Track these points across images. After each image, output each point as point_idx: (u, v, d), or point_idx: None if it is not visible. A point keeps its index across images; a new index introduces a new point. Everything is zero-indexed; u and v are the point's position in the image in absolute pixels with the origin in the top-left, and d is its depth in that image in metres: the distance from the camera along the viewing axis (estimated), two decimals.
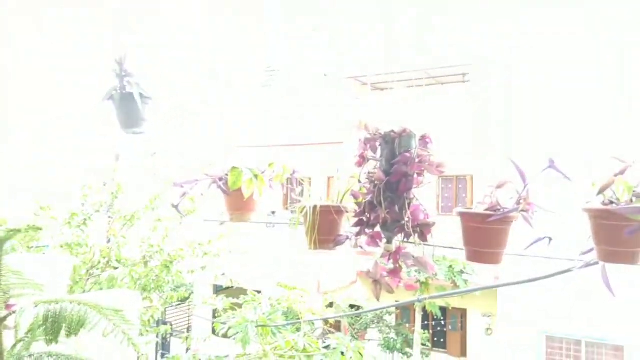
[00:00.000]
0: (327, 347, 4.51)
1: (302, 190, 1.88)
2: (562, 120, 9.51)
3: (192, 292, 12.42)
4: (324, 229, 1.66)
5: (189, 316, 13.70)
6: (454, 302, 10.84)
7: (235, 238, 5.93)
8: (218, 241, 6.01)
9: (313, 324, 5.10)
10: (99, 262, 5.22)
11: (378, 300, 1.59)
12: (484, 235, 1.43)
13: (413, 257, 1.57)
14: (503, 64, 11.66)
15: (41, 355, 1.19)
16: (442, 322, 11.95)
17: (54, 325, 1.15)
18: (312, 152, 11.67)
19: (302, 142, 11.57)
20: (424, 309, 9.95)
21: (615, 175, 1.19)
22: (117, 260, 5.28)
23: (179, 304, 13.37)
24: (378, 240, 1.59)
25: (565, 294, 8.48)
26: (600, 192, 1.23)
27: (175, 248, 5.57)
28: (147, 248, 5.39)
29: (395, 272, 1.55)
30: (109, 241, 5.19)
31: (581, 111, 9.36)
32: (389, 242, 1.60)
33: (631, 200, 1.24)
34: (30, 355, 1.19)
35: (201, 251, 5.66)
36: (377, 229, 1.60)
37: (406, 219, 1.52)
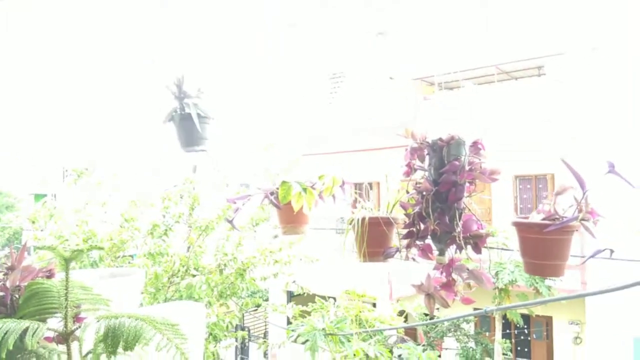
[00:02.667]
0: (400, 357, 4.43)
1: (356, 199, 1.87)
2: None
3: (267, 299, 12.75)
4: (372, 240, 1.64)
5: (265, 322, 14.06)
6: (538, 310, 10.22)
7: (305, 244, 6.01)
8: (289, 249, 6.13)
9: (381, 332, 5.02)
10: (179, 271, 5.50)
11: (431, 313, 1.53)
12: (542, 246, 1.33)
13: (468, 269, 1.51)
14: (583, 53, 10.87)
15: None
16: (526, 331, 11.30)
17: (113, 340, 1.23)
18: (379, 157, 11.57)
19: (368, 147, 11.51)
20: (504, 317, 9.46)
21: None
22: (195, 269, 5.55)
23: (256, 310, 13.78)
24: (429, 253, 1.54)
25: None
26: None
27: (248, 256, 5.75)
28: (221, 256, 5.61)
29: (448, 286, 1.49)
30: (188, 250, 5.46)
31: None
32: (441, 254, 1.55)
33: None
34: None
35: (272, 259, 5.79)
36: (428, 240, 1.55)
37: (457, 230, 1.46)
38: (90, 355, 1.38)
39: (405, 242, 1.59)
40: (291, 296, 12.31)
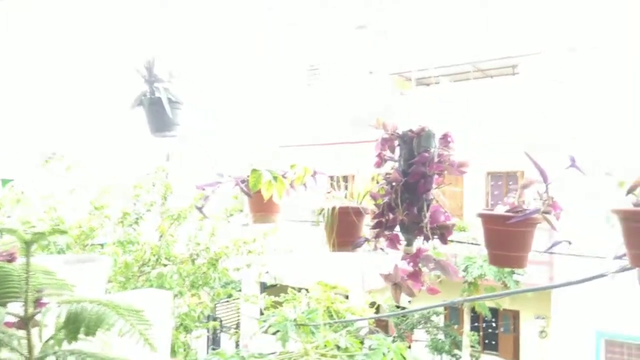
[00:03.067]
0: (370, 347, 4.47)
1: (331, 191, 1.87)
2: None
3: (240, 290, 12.70)
4: (342, 230, 1.65)
5: (238, 313, 14.02)
6: (506, 304, 10.48)
7: (282, 235, 5.99)
8: (263, 239, 6.10)
9: (352, 324, 5.07)
10: (150, 260, 5.42)
11: (398, 302, 1.55)
12: (506, 237, 1.36)
13: (434, 260, 1.53)
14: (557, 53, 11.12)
15: (64, 353, 1.25)
16: (494, 324, 11.57)
17: (74, 325, 1.20)
18: (356, 150, 11.59)
19: (345, 140, 11.53)
20: (473, 310, 9.67)
21: None
22: (166, 258, 5.47)
23: (229, 301, 13.72)
24: (397, 243, 1.56)
25: (627, 295, 7.98)
26: (629, 191, 1.15)
27: (221, 246, 5.71)
28: (194, 246, 5.56)
29: (415, 275, 1.51)
30: (160, 239, 5.38)
31: None
32: (409, 244, 1.56)
33: None
34: (54, 353, 1.26)
35: (245, 249, 5.77)
36: (396, 231, 1.56)
37: (425, 221, 1.48)
38: (52, 341, 1.35)
39: (374, 232, 1.61)
40: (265, 287, 12.30)
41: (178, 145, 5.95)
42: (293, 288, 4.51)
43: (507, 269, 8.60)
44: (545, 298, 10.15)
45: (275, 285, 6.40)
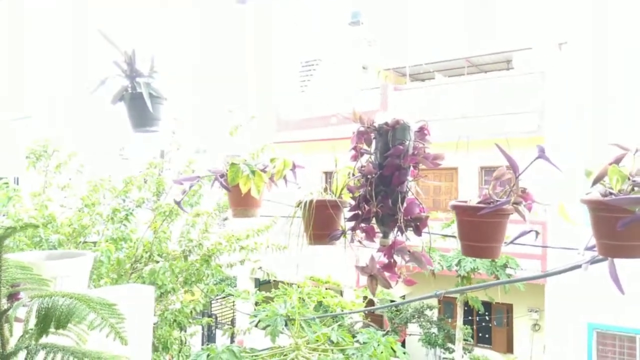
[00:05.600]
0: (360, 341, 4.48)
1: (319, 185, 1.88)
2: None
3: (235, 286, 12.72)
4: (319, 223, 1.65)
5: (233, 310, 14.04)
6: (499, 297, 10.54)
7: (275, 232, 5.97)
8: (258, 236, 6.09)
9: (343, 318, 5.10)
10: (142, 257, 5.41)
11: (374, 295, 1.56)
12: (478, 228, 1.37)
13: (409, 251, 1.54)
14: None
15: (36, 347, 1.25)
16: (487, 318, 11.64)
17: (45, 319, 1.21)
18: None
19: (339, 136, 11.52)
20: (466, 304, 9.72)
21: (610, 164, 1.11)
22: (158, 255, 5.46)
23: (224, 297, 13.73)
24: (373, 235, 1.57)
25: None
26: (595, 182, 1.15)
27: (214, 242, 5.69)
28: (186, 243, 5.54)
29: (389, 267, 1.52)
30: (154, 236, 5.35)
31: None
32: (385, 236, 1.57)
33: (632, 190, 1.16)
34: (26, 347, 1.26)
35: (238, 245, 5.76)
36: (373, 223, 1.57)
37: (399, 213, 1.49)
38: (27, 335, 1.35)
39: (350, 224, 1.61)
40: (260, 283, 12.31)
41: (174, 141, 5.93)
42: (290, 284, 4.51)
43: (499, 263, 8.64)
44: (538, 291, 10.21)
45: (269, 282, 6.39)
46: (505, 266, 8.68)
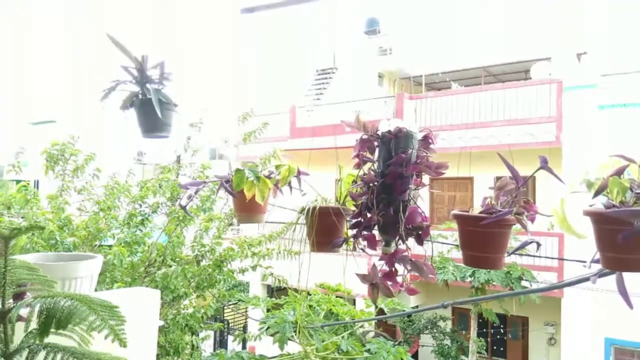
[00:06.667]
0: (369, 351, 4.45)
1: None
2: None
3: (247, 292, 12.73)
4: (322, 231, 1.65)
5: (245, 316, 14.05)
6: (514, 310, 10.37)
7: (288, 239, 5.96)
8: (270, 242, 6.10)
9: (352, 326, 5.07)
10: (156, 261, 5.46)
11: (375, 303, 1.55)
12: (480, 238, 1.35)
13: (411, 260, 1.53)
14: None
15: (38, 346, 1.27)
16: (502, 330, 11.44)
17: (47, 319, 1.23)
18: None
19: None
20: (481, 316, 9.57)
21: (611, 176, 1.09)
22: (172, 259, 5.50)
23: (235, 303, 13.75)
24: (374, 243, 1.56)
25: (637, 302, 7.83)
26: (597, 194, 1.13)
27: (226, 248, 5.72)
28: (199, 247, 5.58)
29: (390, 276, 1.51)
30: (168, 240, 5.40)
31: None
32: (387, 245, 1.56)
33: (635, 202, 1.13)
34: (28, 346, 1.28)
35: (250, 251, 5.77)
36: (374, 231, 1.57)
37: (401, 222, 1.48)
38: (30, 335, 1.38)
39: (352, 232, 1.61)
40: (272, 290, 12.32)
41: (189, 147, 5.99)
42: (300, 291, 4.50)
43: (515, 275, 8.50)
44: (554, 305, 10.02)
45: (283, 288, 6.37)
46: (520, 278, 8.54)
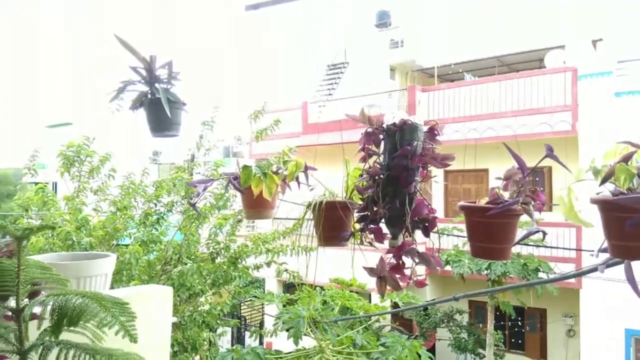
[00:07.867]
0: (384, 345, 4.45)
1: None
2: None
3: (263, 288, 12.81)
4: (330, 225, 1.66)
5: (261, 312, 14.15)
6: (532, 302, 10.27)
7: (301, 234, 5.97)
8: (284, 238, 6.13)
9: (366, 320, 5.07)
10: (172, 259, 5.53)
11: (382, 296, 1.55)
12: (486, 229, 1.34)
13: (418, 252, 1.52)
14: None
15: (51, 343, 1.30)
16: (520, 323, 11.34)
17: (59, 316, 1.25)
18: None
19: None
20: (498, 309, 9.49)
21: (618, 162, 1.07)
22: (187, 257, 5.56)
23: (251, 300, 13.85)
24: (381, 236, 1.56)
25: None
26: (604, 181, 1.12)
27: (240, 245, 5.76)
28: (213, 245, 5.63)
29: (397, 268, 1.51)
30: (184, 238, 5.46)
31: None
32: (394, 237, 1.56)
33: None
34: (42, 343, 1.31)
35: (264, 248, 5.80)
36: (381, 224, 1.56)
37: (407, 214, 1.47)
38: (44, 332, 1.41)
39: (359, 226, 1.61)
40: (288, 286, 12.37)
41: (202, 145, 6.03)
42: (315, 286, 4.52)
43: (531, 267, 8.41)
44: (573, 296, 9.89)
45: (294, 285, 6.38)
46: (537, 270, 8.44)
